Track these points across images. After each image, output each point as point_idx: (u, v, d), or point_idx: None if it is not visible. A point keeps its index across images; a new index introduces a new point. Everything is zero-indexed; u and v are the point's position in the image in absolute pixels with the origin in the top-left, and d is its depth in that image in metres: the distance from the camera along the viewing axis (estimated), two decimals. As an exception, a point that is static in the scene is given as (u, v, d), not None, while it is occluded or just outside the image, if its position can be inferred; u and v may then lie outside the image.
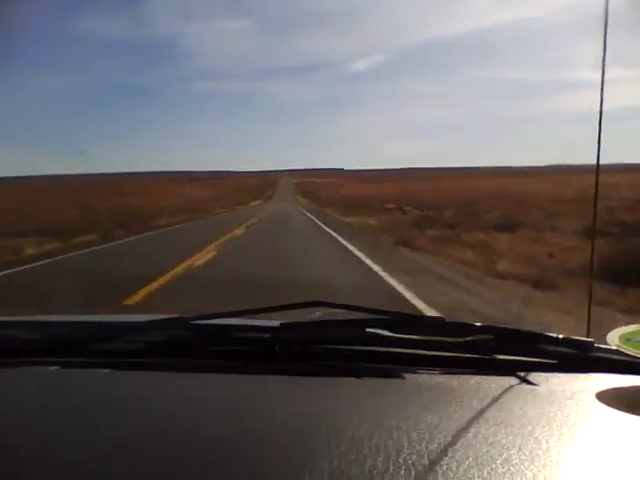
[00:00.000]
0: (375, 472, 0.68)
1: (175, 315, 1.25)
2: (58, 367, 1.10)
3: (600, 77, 1.18)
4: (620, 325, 1.08)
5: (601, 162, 1.24)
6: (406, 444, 0.75)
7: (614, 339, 1.04)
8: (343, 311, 1.19)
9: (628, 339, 1.03)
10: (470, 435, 0.78)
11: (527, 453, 0.73)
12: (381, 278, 8.76)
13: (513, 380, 1.02)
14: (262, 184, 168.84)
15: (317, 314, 1.23)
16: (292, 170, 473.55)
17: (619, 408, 0.89)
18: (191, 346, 1.18)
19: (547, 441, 0.77)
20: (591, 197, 1.31)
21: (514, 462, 0.71)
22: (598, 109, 1.22)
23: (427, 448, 0.74)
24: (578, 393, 0.96)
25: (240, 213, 41.72)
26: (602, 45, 1.15)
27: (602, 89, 1.18)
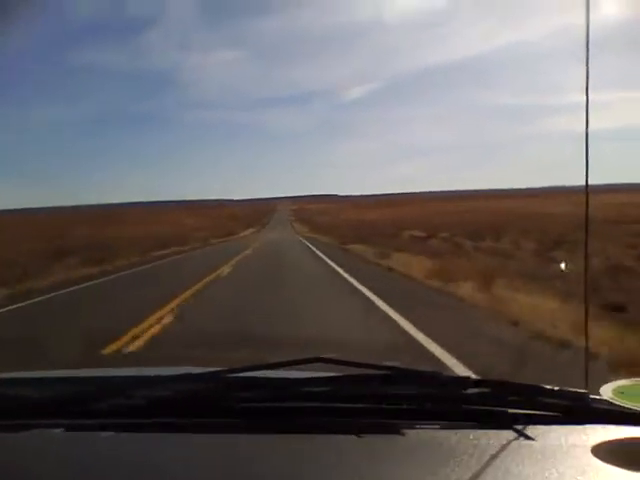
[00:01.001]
0: None
1: (175, 372, 1.24)
2: (63, 429, 1.09)
3: (592, 99, 1.23)
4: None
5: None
6: None
7: (608, 392, 1.05)
8: (344, 367, 1.19)
9: (622, 392, 1.04)
10: None
11: None
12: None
13: (510, 434, 1.02)
14: (259, 211, 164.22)
15: (317, 370, 1.23)
16: (288, 197, 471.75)
17: (615, 463, 0.90)
18: (184, 405, 1.17)
19: None
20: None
21: None
22: (592, 131, 1.27)
23: None
24: (574, 447, 0.97)
25: (233, 244, 38.32)
26: (593, 68, 1.20)
27: (587, 111, 1.22)
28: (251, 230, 75.64)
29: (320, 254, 22.01)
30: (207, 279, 13.19)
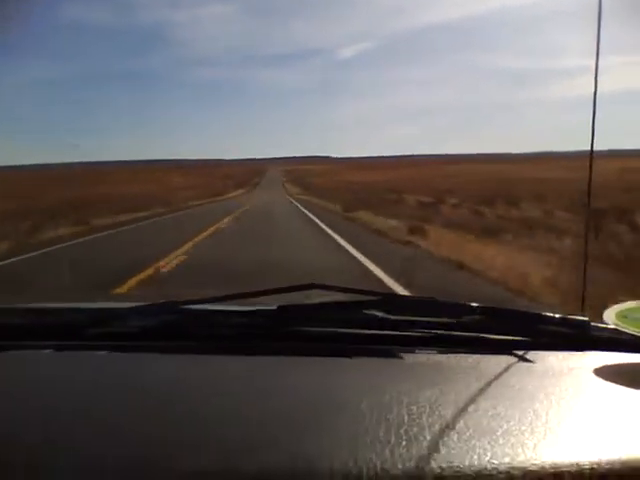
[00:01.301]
0: (377, 444, 0.69)
1: (171, 300, 1.23)
2: (51, 350, 1.09)
3: (592, 63, 1.20)
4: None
5: (596, 148, 1.26)
6: (406, 417, 0.76)
7: (611, 317, 1.03)
8: (338, 293, 1.19)
9: (625, 316, 1.03)
10: (470, 408, 0.79)
11: (527, 425, 0.74)
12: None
13: (510, 358, 1.02)
14: (251, 172, 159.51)
15: (313, 297, 1.23)
16: (280, 158, 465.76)
17: (617, 383, 0.90)
18: (185, 330, 1.16)
19: (546, 413, 0.78)
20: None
21: (514, 433, 0.72)
22: (585, 95, 1.28)
23: (428, 421, 0.74)
24: (575, 369, 0.97)
25: (215, 207, 34.27)
26: (594, 32, 1.17)
27: (596, 75, 1.20)
28: (240, 191, 71.17)
29: (326, 228, 15.50)
30: (164, 261, 9.40)
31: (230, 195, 59.86)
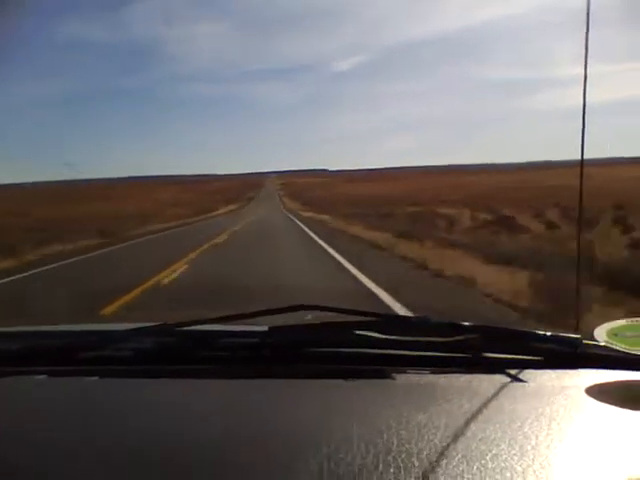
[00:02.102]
0: (364, 471, 0.69)
1: (163, 322, 1.22)
2: (45, 376, 1.08)
3: (578, 73, 1.22)
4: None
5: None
6: (395, 442, 0.75)
7: (602, 335, 1.03)
8: (330, 314, 1.18)
9: (615, 334, 1.03)
10: (459, 432, 0.78)
11: (516, 448, 0.74)
12: None
13: (502, 378, 1.01)
14: (246, 186, 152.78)
15: (305, 317, 1.21)
16: (275, 172, 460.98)
17: (608, 402, 0.89)
18: (178, 352, 1.16)
19: (536, 436, 0.77)
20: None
21: (503, 457, 0.71)
22: (576, 105, 1.26)
23: (417, 446, 0.74)
24: (567, 389, 0.96)
25: (201, 226, 28.20)
26: (583, 42, 1.20)
27: (585, 85, 1.22)
28: (232, 207, 64.43)
29: (354, 271, 8.89)
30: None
31: (221, 212, 53.10)
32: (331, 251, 12.26)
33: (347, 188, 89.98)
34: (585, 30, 1.19)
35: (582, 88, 1.24)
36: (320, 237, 16.45)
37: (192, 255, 12.29)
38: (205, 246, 14.54)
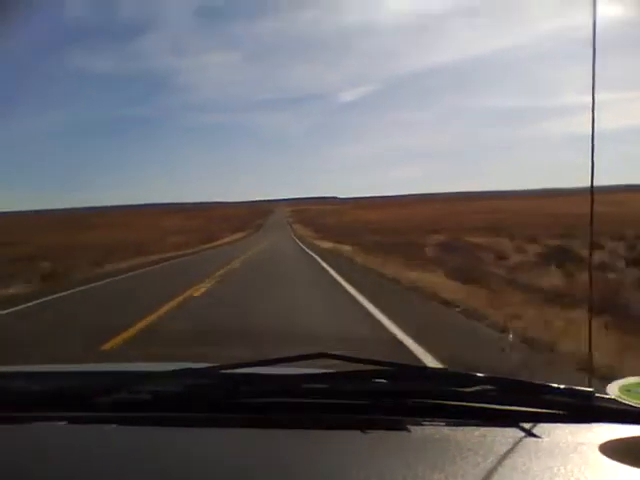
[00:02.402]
0: None
1: (178, 366, 1.23)
2: (65, 422, 1.08)
3: (586, 101, 1.25)
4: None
5: (599, 183, 1.31)
6: None
7: (614, 390, 1.04)
8: (347, 362, 1.17)
9: (628, 390, 1.04)
10: None
11: None
12: None
13: (516, 432, 1.01)
14: (254, 213, 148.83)
15: (322, 365, 1.22)
16: (286, 199, 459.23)
17: (622, 460, 0.89)
18: (191, 399, 1.16)
19: None
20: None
21: None
22: (584, 132, 1.28)
23: None
24: (581, 445, 0.96)
25: (194, 260, 23.46)
26: (587, 70, 1.24)
27: (593, 112, 1.24)
28: (239, 235, 60.14)
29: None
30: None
31: (225, 240, 48.67)
32: (385, 320, 7.05)
33: (359, 214, 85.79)
34: (592, 59, 1.21)
35: (589, 116, 1.27)
36: (354, 284, 11.13)
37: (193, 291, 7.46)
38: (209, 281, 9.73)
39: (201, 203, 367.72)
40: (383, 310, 7.67)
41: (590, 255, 1.62)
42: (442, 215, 64.09)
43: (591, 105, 1.24)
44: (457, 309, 7.91)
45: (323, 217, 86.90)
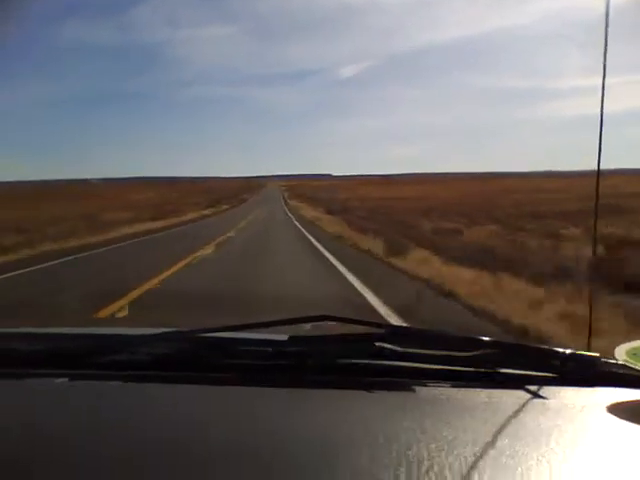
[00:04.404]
0: None
1: (182, 328, 1.21)
2: (66, 379, 1.09)
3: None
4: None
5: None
6: (426, 455, 0.75)
7: (621, 354, 1.03)
8: (350, 325, 1.17)
9: (635, 354, 1.03)
10: (488, 447, 0.78)
11: (545, 463, 0.74)
12: None
13: (522, 394, 1.01)
14: (243, 187, 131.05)
15: (324, 328, 1.21)
16: (279, 176, 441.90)
17: (629, 421, 0.89)
18: (197, 359, 1.15)
19: (564, 452, 0.78)
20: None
21: (533, 473, 0.72)
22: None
23: (448, 459, 0.74)
24: (587, 407, 0.96)
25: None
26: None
27: (603, 93, 1.19)
28: (209, 211, 43.41)
29: None
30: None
31: (183, 219, 31.00)
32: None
33: (369, 192, 69.27)
34: (604, 40, 1.17)
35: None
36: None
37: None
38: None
39: (197, 177, 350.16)
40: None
41: (594, 238, 1.48)
42: (461, 195, 49.22)
43: (594, 88, 1.19)
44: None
45: (329, 192, 69.52)
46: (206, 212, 40.51)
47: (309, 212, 34.21)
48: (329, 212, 31.72)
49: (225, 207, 49.87)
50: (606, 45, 1.15)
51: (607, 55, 1.20)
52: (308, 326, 1.17)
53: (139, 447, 0.81)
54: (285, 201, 64.64)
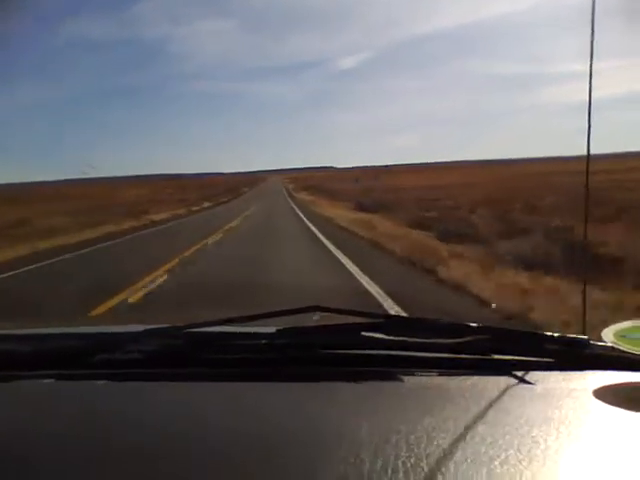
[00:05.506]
0: (374, 475, 0.69)
1: (169, 324, 1.22)
2: (53, 380, 1.08)
3: (586, 68, 1.21)
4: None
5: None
6: (404, 447, 0.75)
7: (609, 336, 1.03)
8: (338, 315, 1.17)
9: (623, 335, 1.02)
10: (468, 436, 0.78)
11: (525, 453, 0.73)
12: None
13: (510, 380, 1.01)
14: (242, 182, 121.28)
15: (313, 319, 1.21)
16: (280, 170, 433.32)
17: (616, 405, 0.89)
18: (186, 355, 1.14)
19: (545, 440, 0.77)
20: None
21: (512, 462, 0.71)
22: (583, 100, 1.26)
23: (425, 450, 0.74)
24: (575, 391, 0.96)
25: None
26: (586, 37, 1.20)
27: (590, 79, 1.20)
28: (207, 204, 36.55)
29: None
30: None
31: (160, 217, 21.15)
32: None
33: (393, 181, 59.56)
34: (591, 26, 1.18)
35: (587, 83, 1.22)
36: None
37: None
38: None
39: (200, 174, 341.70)
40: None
41: (585, 222, 1.34)
42: (482, 183, 41.74)
43: (595, 72, 1.21)
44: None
45: (331, 183, 59.78)
46: (207, 204, 34.62)
47: (329, 211, 23.30)
48: (361, 209, 22.02)
49: (206, 205, 39.34)
50: (593, 30, 1.15)
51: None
52: (295, 317, 1.15)
53: (132, 445, 0.80)
54: (289, 194, 54.29)
